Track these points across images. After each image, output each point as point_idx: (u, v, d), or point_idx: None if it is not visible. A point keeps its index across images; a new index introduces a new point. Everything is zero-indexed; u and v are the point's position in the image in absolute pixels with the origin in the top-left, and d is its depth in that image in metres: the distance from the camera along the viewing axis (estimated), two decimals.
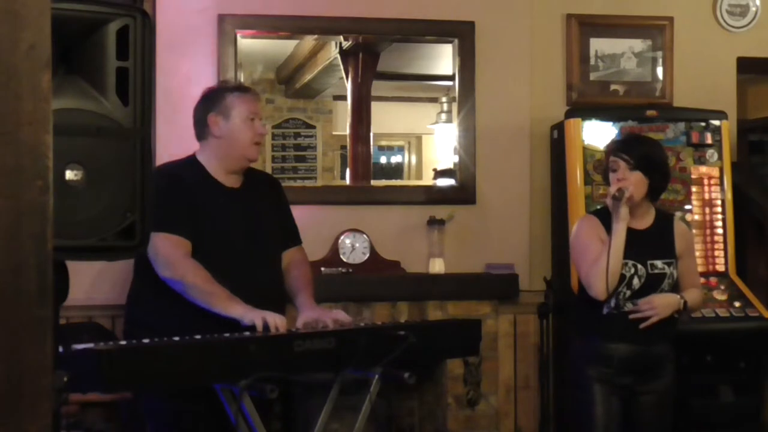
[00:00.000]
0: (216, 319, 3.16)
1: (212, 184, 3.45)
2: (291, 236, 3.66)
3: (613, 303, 3.60)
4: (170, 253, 3.26)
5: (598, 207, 4.04)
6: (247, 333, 3.06)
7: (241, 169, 3.50)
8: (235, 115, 3.43)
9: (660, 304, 3.58)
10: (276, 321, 3.12)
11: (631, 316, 3.59)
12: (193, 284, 3.24)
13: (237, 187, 3.49)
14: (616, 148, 3.72)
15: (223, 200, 3.44)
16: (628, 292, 3.60)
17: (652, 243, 3.66)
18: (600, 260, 3.55)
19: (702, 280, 4.61)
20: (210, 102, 3.49)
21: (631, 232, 3.59)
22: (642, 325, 3.57)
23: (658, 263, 3.62)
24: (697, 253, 4.69)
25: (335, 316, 3.37)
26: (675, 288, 3.66)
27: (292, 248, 3.63)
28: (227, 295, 3.21)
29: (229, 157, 3.46)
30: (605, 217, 3.67)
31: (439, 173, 5.66)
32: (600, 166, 4.50)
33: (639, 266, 3.59)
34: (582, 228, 3.75)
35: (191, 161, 3.51)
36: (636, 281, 3.59)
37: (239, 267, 3.35)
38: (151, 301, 3.35)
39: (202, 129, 3.49)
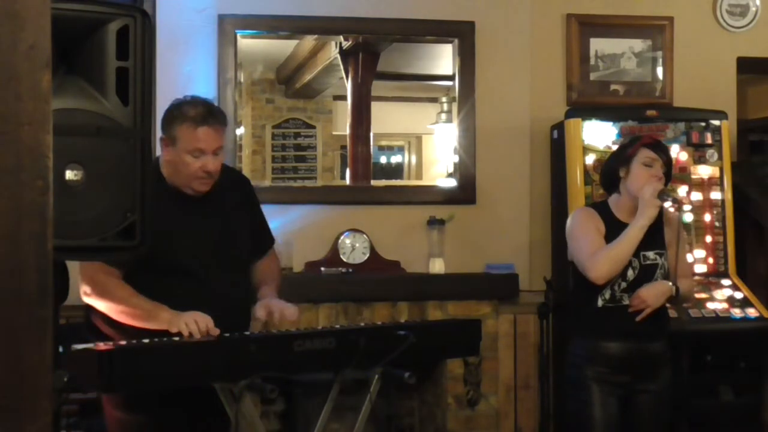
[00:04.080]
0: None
1: (171, 194, 3.22)
2: (263, 241, 3.49)
3: (608, 295, 3.63)
4: (91, 276, 3.10)
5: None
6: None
7: (193, 194, 3.25)
8: (180, 148, 3.18)
9: (648, 295, 3.60)
10: (199, 325, 2.99)
11: (630, 309, 3.61)
12: (116, 303, 3.09)
13: (201, 194, 3.27)
14: (656, 146, 3.72)
15: (182, 210, 3.22)
16: (624, 284, 3.63)
17: (645, 235, 3.67)
18: (611, 245, 3.59)
19: (702, 279, 4.63)
20: (164, 121, 3.26)
21: (626, 227, 3.62)
22: (638, 318, 3.59)
23: (650, 254, 3.65)
24: (697, 253, 4.70)
25: (283, 309, 3.21)
26: (667, 278, 3.68)
27: (265, 255, 3.47)
28: (151, 306, 3.07)
29: (177, 181, 3.24)
30: (602, 211, 3.72)
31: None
32: (599, 166, 4.50)
33: (633, 258, 3.62)
34: (580, 217, 3.77)
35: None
36: (630, 272, 3.63)
37: (200, 277, 3.19)
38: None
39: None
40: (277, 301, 3.27)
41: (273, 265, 3.51)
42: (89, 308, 3.25)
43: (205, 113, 3.19)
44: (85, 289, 3.13)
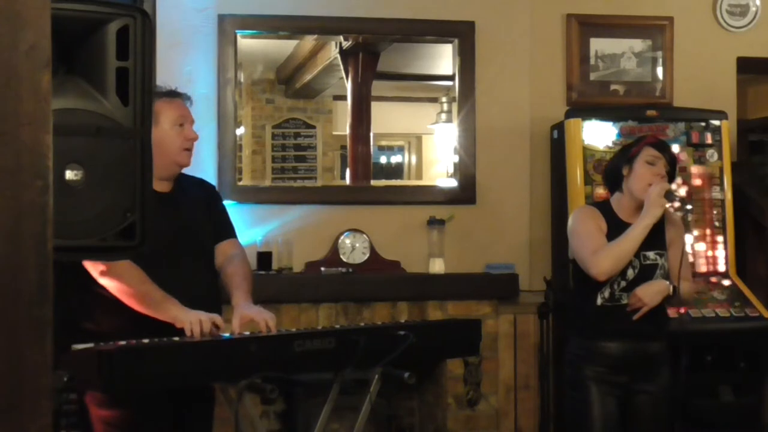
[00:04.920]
0: (153, 323, 3.10)
1: None
2: (223, 230, 3.56)
3: (607, 293, 3.63)
4: None
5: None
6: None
7: (172, 176, 3.41)
8: (162, 121, 3.33)
9: (645, 294, 3.60)
10: (203, 326, 3.05)
11: (627, 308, 3.61)
12: (128, 285, 3.15)
13: (167, 191, 3.40)
14: (660, 145, 3.73)
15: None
16: (623, 283, 3.63)
17: (646, 235, 3.67)
18: (614, 243, 3.59)
19: (702, 280, 4.63)
20: None
21: (627, 226, 3.62)
22: (635, 317, 3.59)
23: (651, 254, 3.65)
24: (698, 253, 4.70)
25: (267, 320, 3.23)
26: (667, 278, 3.68)
27: (224, 241, 3.52)
28: (162, 296, 3.14)
29: (159, 164, 3.18)
30: (604, 210, 3.73)
31: None
32: (600, 166, 4.51)
33: (633, 258, 3.62)
34: (583, 215, 3.78)
35: None
36: (630, 272, 3.63)
37: (172, 270, 3.25)
38: (87, 307, 3.24)
39: None
40: (252, 309, 3.30)
41: (241, 267, 3.49)
42: (64, 306, 3.26)
43: (172, 91, 3.48)
44: (101, 267, 3.17)
